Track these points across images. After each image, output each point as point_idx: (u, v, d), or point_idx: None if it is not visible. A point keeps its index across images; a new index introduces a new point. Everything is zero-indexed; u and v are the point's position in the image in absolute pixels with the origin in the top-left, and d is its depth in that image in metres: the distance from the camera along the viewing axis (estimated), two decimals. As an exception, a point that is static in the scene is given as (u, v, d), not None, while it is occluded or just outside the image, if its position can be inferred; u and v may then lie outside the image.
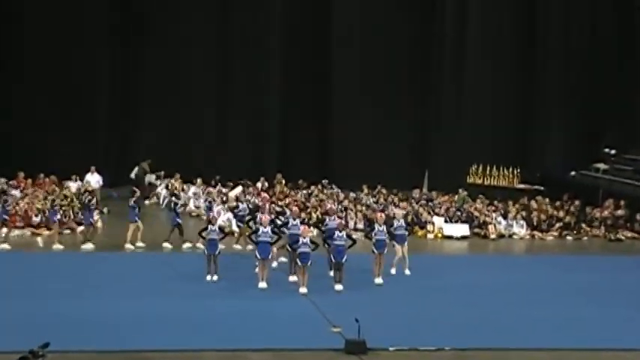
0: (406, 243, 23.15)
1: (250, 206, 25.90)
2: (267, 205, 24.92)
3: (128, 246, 25.32)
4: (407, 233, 23.51)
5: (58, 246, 25.36)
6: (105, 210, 30.07)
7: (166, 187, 33.63)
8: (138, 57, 37.45)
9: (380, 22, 38.58)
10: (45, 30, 35.98)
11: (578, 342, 17.30)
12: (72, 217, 28.09)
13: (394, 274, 22.84)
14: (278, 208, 25.91)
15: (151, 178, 34.38)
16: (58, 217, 26.93)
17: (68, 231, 27.44)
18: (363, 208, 30.29)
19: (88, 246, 25.37)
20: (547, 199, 32.99)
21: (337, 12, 38.67)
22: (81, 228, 27.62)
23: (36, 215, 27.76)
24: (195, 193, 32.33)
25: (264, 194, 25.39)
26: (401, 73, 38.79)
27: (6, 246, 25.38)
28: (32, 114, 35.85)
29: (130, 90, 37.50)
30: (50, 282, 21.20)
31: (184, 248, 25.44)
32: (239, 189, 30.70)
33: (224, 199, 30.19)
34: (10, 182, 31.04)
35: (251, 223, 23.81)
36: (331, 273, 22.13)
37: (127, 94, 37.48)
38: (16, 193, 29.90)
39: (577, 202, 32.32)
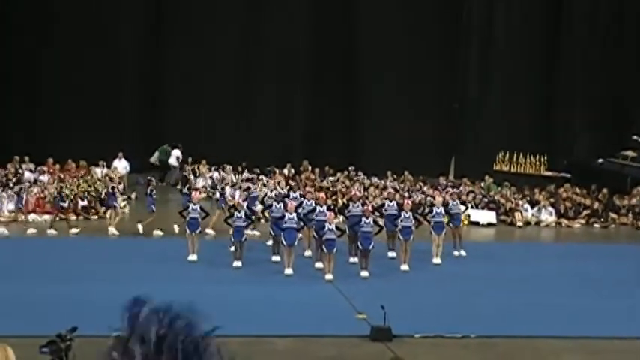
0: (444, 232, 23.19)
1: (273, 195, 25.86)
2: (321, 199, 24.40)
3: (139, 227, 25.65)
4: (445, 221, 23.54)
5: (113, 231, 25.63)
6: (132, 196, 30.19)
7: (193, 173, 33.76)
8: (165, 43, 37.62)
9: (408, 11, 38.48)
10: (74, 18, 36.22)
11: (603, 330, 17.25)
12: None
13: (439, 263, 22.89)
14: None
15: (173, 160, 34.67)
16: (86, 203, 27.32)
17: (96, 217, 27.68)
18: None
19: (113, 231, 25.63)
20: (574, 188, 32.83)
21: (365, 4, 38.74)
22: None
23: (63, 201, 27.93)
24: (223, 179, 32.29)
25: (321, 194, 25.12)
26: (428, 61, 38.64)
27: (53, 231, 25.71)
28: (61, 101, 36.12)
29: (157, 76, 37.67)
30: (77, 266, 21.37)
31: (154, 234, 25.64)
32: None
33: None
34: (39, 168, 31.28)
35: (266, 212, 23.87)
36: (351, 259, 22.21)
37: (154, 80, 37.64)
38: (45, 178, 30.14)
39: (605, 190, 32.09)
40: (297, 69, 38.35)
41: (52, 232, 25.73)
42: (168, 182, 34.34)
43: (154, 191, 26.19)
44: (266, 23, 38.01)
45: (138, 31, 37.21)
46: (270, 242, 22.97)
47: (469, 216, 29.54)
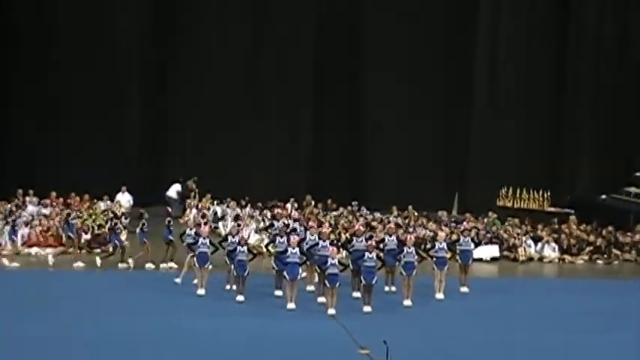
0: (446, 267, 23.17)
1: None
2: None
3: (147, 265, 25.73)
4: (448, 256, 23.51)
5: (124, 265, 25.83)
6: (137, 230, 30.09)
7: (196, 207, 33.70)
8: (167, 74, 37.68)
9: (411, 47, 38.59)
10: (73, 41, 36.33)
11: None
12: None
13: (442, 299, 22.85)
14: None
15: (172, 193, 34.63)
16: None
17: (98, 250, 27.66)
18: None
19: (124, 265, 25.82)
20: (577, 224, 32.75)
21: (370, 35, 38.80)
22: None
23: (72, 230, 27.92)
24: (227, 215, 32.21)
25: (324, 228, 24.83)
26: (432, 97, 38.72)
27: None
28: (62, 132, 36.21)
29: (159, 109, 37.73)
30: (77, 301, 21.33)
31: (162, 268, 25.65)
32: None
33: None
34: (42, 201, 31.26)
35: (270, 246, 23.95)
36: (354, 294, 22.19)
37: (157, 113, 37.71)
38: (46, 211, 30.12)
39: (610, 228, 31.92)
40: (301, 102, 38.42)
41: (52, 260, 25.85)
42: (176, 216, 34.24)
43: (145, 224, 26.25)
44: (271, 53, 38.10)
45: (140, 59, 37.27)
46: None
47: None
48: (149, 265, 25.65)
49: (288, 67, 38.19)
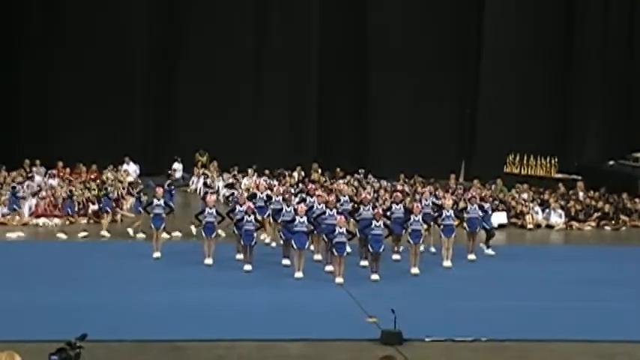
0: (453, 235, 23.12)
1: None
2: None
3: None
4: (455, 224, 23.47)
5: (105, 233, 25.94)
6: (143, 199, 30.14)
7: (204, 175, 33.75)
8: (175, 45, 37.63)
9: (418, 11, 38.47)
10: (81, 18, 36.25)
11: (615, 333, 17.15)
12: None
13: (450, 266, 22.83)
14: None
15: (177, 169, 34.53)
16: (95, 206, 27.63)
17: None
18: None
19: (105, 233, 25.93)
20: (585, 189, 32.69)
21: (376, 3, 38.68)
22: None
23: (73, 205, 28.03)
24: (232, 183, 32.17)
25: (331, 197, 24.59)
26: (439, 63, 38.65)
27: (62, 235, 25.84)
28: (71, 104, 36.17)
29: (167, 80, 37.68)
30: (87, 271, 21.40)
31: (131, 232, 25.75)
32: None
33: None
34: (49, 171, 31.31)
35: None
36: (362, 263, 22.19)
37: (164, 84, 37.66)
38: (54, 182, 30.17)
39: (625, 195, 31.74)
40: (309, 72, 38.40)
41: (61, 235, 25.78)
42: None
43: (142, 193, 26.27)
44: (276, 23, 38.02)
45: (147, 35, 37.23)
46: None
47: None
48: (140, 235, 25.60)
49: (294, 38, 38.06)
